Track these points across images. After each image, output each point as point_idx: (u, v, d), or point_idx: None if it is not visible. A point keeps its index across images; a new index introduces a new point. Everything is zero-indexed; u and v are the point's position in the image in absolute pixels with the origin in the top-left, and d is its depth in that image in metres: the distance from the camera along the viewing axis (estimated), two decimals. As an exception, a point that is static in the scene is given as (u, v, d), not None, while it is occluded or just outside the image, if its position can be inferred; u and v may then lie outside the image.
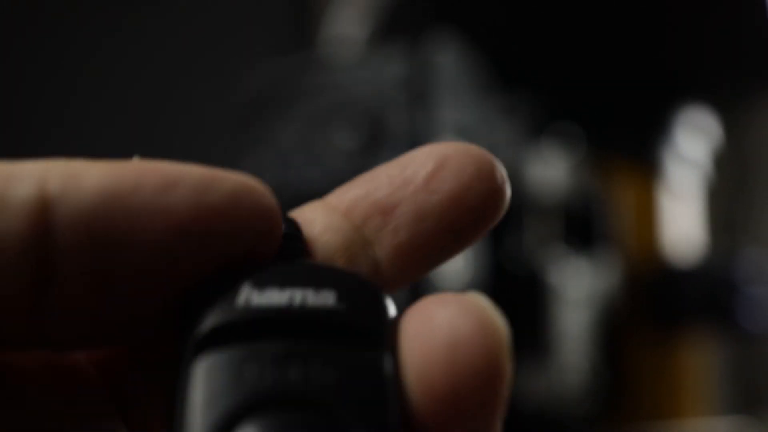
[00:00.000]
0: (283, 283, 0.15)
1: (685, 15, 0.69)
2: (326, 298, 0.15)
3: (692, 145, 0.75)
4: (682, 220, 0.74)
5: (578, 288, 0.61)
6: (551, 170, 0.61)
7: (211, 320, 0.15)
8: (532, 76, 0.69)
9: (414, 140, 0.49)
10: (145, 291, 0.15)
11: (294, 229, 0.17)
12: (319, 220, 0.17)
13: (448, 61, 0.52)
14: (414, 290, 0.47)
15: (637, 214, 0.71)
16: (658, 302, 0.69)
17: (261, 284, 0.15)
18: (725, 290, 0.69)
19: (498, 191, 0.16)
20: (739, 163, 0.84)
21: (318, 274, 0.16)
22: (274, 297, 0.15)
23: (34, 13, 0.81)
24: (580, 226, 0.63)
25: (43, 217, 0.13)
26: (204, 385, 0.14)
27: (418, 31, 0.58)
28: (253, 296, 0.15)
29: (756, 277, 0.70)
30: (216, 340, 0.15)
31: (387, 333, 0.15)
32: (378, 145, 0.49)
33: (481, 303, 0.15)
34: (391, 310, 0.16)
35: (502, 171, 0.17)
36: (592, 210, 0.64)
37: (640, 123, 0.72)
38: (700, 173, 0.76)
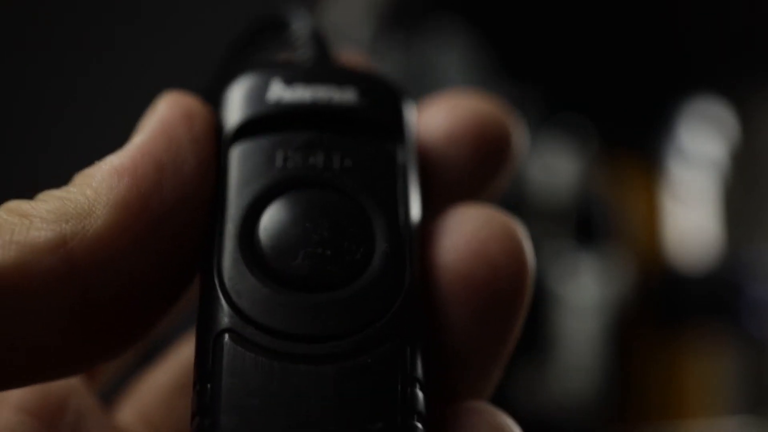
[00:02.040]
0: (309, 80, 0.17)
1: (698, 4, 0.69)
2: (348, 95, 0.17)
3: (704, 141, 0.74)
4: (692, 221, 0.74)
5: (583, 289, 0.60)
6: (556, 167, 0.60)
7: (245, 112, 0.17)
8: (537, 68, 0.68)
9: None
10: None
11: (320, 35, 0.19)
12: None
13: (452, 53, 0.51)
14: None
15: (644, 214, 0.71)
16: (666, 304, 0.69)
17: (290, 81, 0.17)
18: (733, 292, 0.69)
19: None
20: (752, 160, 0.83)
21: (341, 74, 0.17)
22: (302, 93, 0.17)
23: (32, 11, 0.80)
24: (586, 226, 0.62)
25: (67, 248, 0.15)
26: (239, 167, 0.16)
27: (420, 23, 0.57)
28: (283, 92, 0.17)
29: (764, 278, 0.69)
30: (250, 131, 0.17)
31: (403, 127, 0.17)
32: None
33: (518, 225, 0.17)
34: (408, 106, 0.17)
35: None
36: (598, 209, 0.64)
37: (649, 117, 0.72)
38: (711, 171, 0.75)
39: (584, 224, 0.63)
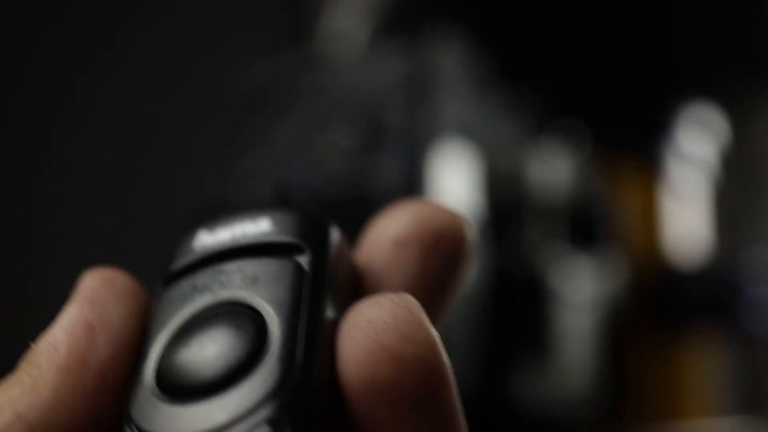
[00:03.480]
0: (227, 223, 0.19)
1: (693, 9, 0.69)
2: (261, 226, 0.19)
3: (699, 143, 0.74)
4: (687, 220, 0.74)
5: (581, 289, 0.61)
6: (554, 169, 0.60)
7: (174, 265, 0.19)
8: (535, 72, 0.68)
9: (414, 139, 0.49)
10: None
11: (285, 192, 0.22)
12: None
13: (450, 58, 0.51)
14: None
15: (641, 214, 0.71)
16: (662, 303, 0.69)
17: (212, 228, 0.19)
18: (730, 291, 0.69)
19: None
20: (746, 161, 0.83)
21: (259, 211, 0.19)
22: (221, 235, 0.19)
23: (32, 12, 0.80)
24: (583, 226, 0.63)
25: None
26: (159, 311, 0.18)
27: (418, 27, 0.57)
28: (206, 238, 0.19)
29: (761, 278, 0.69)
30: (177, 277, 0.19)
31: (312, 244, 0.18)
32: (378, 144, 0.49)
33: (415, 305, 0.16)
34: (318, 226, 0.19)
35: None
36: (596, 210, 0.64)
37: (645, 121, 0.72)
38: (706, 172, 0.75)
39: (583, 225, 0.63)
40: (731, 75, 0.75)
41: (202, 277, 0.18)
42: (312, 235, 0.19)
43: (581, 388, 0.60)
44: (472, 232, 0.19)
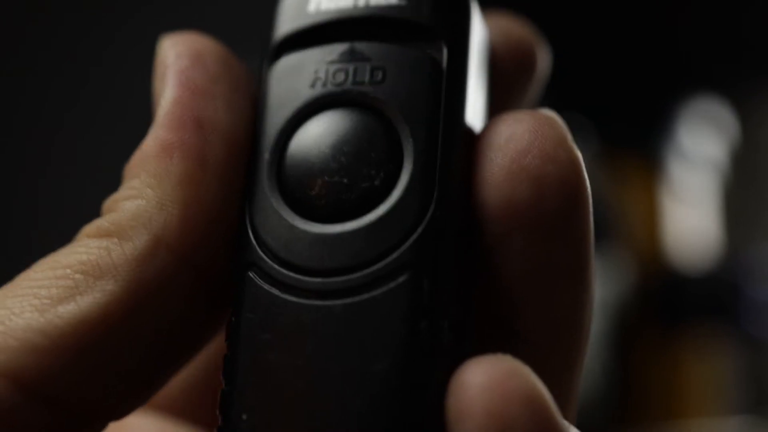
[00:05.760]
0: None
1: (697, 5, 0.69)
2: None
3: (703, 142, 0.74)
4: (691, 221, 0.73)
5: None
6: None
7: (285, 27, 0.16)
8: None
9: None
10: None
11: None
12: None
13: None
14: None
15: (645, 215, 0.70)
16: (666, 305, 0.69)
17: None
18: (733, 293, 0.69)
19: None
20: (751, 161, 0.83)
21: None
22: (341, 1, 0.15)
23: (32, 11, 0.80)
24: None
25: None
26: (273, 90, 0.15)
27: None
28: (323, 1, 0.16)
29: (763, 279, 0.69)
30: (289, 46, 0.16)
31: (452, 28, 0.15)
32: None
33: (559, 121, 0.14)
34: (460, 6, 0.15)
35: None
36: (600, 210, 0.64)
37: (650, 118, 0.72)
38: (710, 172, 0.75)
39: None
40: (737, 72, 0.75)
41: (319, 60, 0.15)
42: (450, 18, 0.15)
43: (585, 389, 0.60)
44: (541, 37, 0.18)
